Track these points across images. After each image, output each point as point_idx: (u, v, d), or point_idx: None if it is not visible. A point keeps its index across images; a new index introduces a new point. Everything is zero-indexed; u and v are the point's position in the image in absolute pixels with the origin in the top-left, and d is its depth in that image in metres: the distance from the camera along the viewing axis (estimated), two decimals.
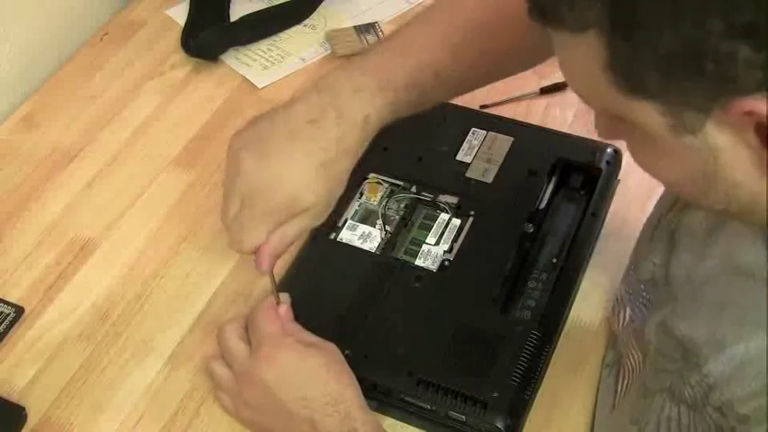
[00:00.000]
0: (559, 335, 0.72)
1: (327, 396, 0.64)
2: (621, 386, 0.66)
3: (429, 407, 0.67)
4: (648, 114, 0.44)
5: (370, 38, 1.01)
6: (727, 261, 0.55)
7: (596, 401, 0.69)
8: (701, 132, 0.43)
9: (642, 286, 0.67)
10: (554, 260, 0.76)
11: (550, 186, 0.81)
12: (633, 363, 0.65)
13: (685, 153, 0.45)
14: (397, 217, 0.80)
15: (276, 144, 0.65)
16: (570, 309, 0.74)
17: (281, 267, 0.78)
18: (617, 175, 0.83)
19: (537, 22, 0.46)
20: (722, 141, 0.43)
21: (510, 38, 0.68)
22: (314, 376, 0.65)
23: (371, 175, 0.83)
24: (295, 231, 0.68)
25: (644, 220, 0.69)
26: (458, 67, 0.68)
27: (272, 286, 0.70)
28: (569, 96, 0.92)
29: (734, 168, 0.44)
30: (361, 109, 0.65)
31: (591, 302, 0.75)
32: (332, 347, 0.67)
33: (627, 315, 0.68)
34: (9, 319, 0.76)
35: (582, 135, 0.84)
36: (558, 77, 0.91)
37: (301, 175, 0.65)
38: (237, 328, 0.69)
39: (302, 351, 0.66)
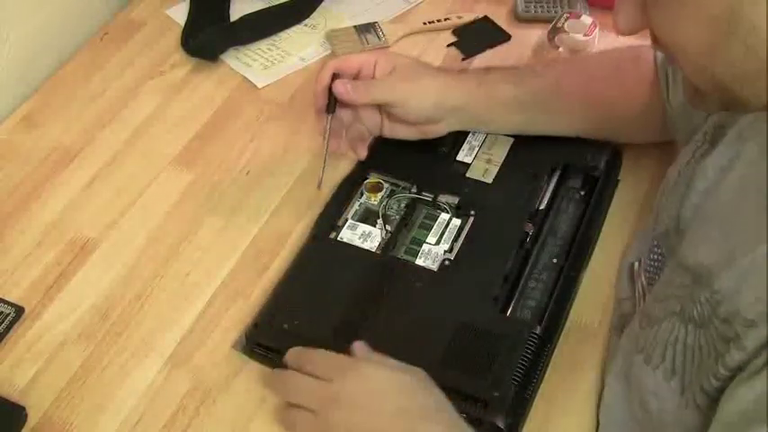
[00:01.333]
0: (559, 335, 0.72)
1: (426, 408, 0.61)
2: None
3: None
4: None
5: (371, 38, 1.01)
6: (738, 183, 0.57)
7: (606, 365, 0.70)
8: None
9: (655, 242, 0.67)
10: (554, 260, 0.76)
11: (550, 187, 0.81)
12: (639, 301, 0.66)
13: None
14: (397, 217, 0.80)
15: None
16: (570, 309, 0.74)
17: (280, 266, 0.79)
18: (617, 176, 0.83)
19: None
20: None
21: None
22: (408, 389, 0.62)
23: (372, 174, 0.83)
24: None
25: (644, 219, 0.69)
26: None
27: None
28: None
29: (755, 9, 0.44)
30: None
31: (591, 302, 0.75)
32: (420, 370, 0.64)
33: (642, 283, 0.69)
34: (9, 319, 0.76)
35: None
36: None
37: None
38: (299, 374, 0.66)
39: (392, 367, 0.64)
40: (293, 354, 0.68)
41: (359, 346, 0.67)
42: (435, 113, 0.80)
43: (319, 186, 0.83)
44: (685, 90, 0.56)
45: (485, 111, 0.81)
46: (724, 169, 0.59)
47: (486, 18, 1.03)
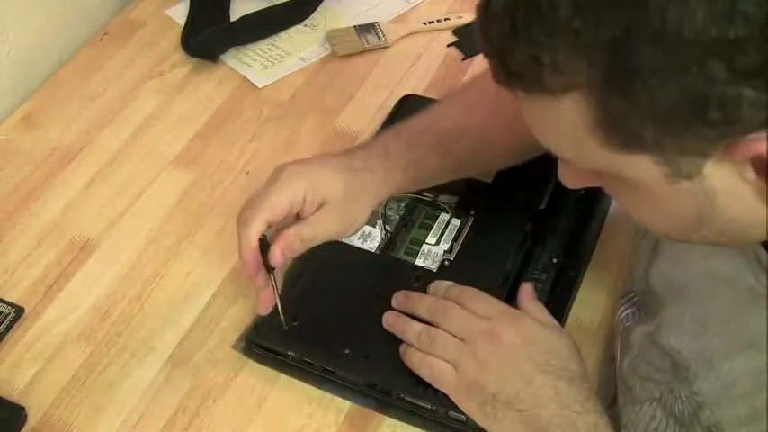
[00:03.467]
0: None
1: (572, 371, 0.63)
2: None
3: (429, 406, 0.66)
4: (641, 166, 0.42)
5: (371, 38, 1.01)
6: (707, 269, 0.55)
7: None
8: (698, 176, 0.42)
9: (632, 293, 0.67)
10: (554, 260, 0.76)
11: (551, 187, 0.81)
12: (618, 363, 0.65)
13: (679, 198, 0.44)
14: (397, 217, 0.80)
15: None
16: (570, 309, 0.74)
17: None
18: None
19: (505, 87, 0.44)
20: (719, 182, 0.42)
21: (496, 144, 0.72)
22: (558, 348, 0.64)
23: None
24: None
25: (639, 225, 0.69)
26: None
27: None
28: None
29: (730, 206, 0.43)
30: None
31: (591, 302, 0.75)
32: (570, 336, 0.67)
33: (622, 313, 0.68)
34: (9, 319, 0.76)
35: None
36: None
37: None
38: (454, 304, 0.68)
39: (546, 324, 0.66)
40: (446, 288, 0.70)
41: (526, 290, 0.69)
42: (370, 219, 0.74)
43: (286, 325, 0.70)
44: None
45: (421, 187, 0.77)
46: None
47: None
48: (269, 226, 0.65)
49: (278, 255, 0.65)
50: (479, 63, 0.98)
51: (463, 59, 0.99)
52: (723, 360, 0.51)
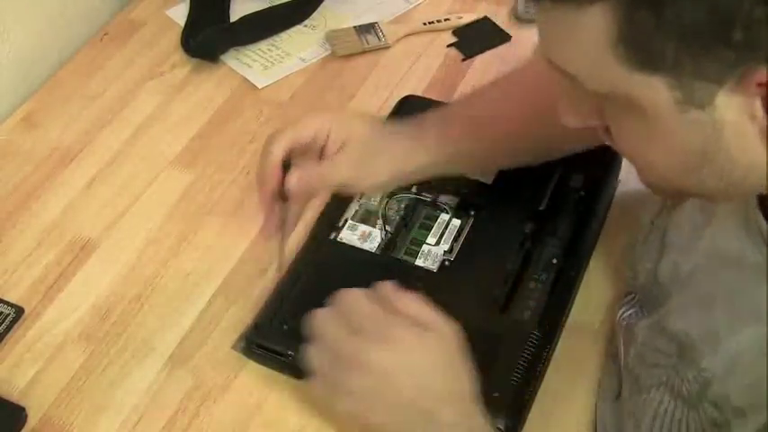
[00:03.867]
0: (559, 335, 0.72)
1: (447, 392, 0.59)
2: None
3: None
4: (655, 89, 0.42)
5: (371, 38, 1.01)
6: (714, 252, 0.55)
7: (599, 390, 0.69)
8: (709, 106, 0.42)
9: (632, 294, 0.67)
10: (554, 260, 0.76)
11: (550, 187, 0.81)
12: (622, 358, 0.65)
13: (687, 129, 0.44)
14: (397, 217, 0.80)
15: None
16: (570, 309, 0.74)
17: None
18: (617, 176, 0.83)
19: None
20: (729, 114, 0.42)
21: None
22: (434, 366, 0.59)
23: None
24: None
25: (644, 220, 0.69)
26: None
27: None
28: None
29: (735, 144, 0.43)
30: None
31: (591, 302, 0.75)
32: (450, 331, 0.61)
33: (623, 313, 0.68)
34: (9, 319, 0.76)
35: None
36: None
37: None
38: (333, 312, 0.62)
39: (421, 335, 0.60)
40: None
41: (390, 287, 0.63)
42: (390, 185, 0.75)
43: (281, 270, 0.73)
44: (641, 178, 0.54)
45: (444, 168, 0.75)
46: (697, 227, 0.58)
47: (486, 19, 1.03)
48: (292, 150, 0.68)
49: (293, 181, 0.66)
50: (479, 63, 0.98)
51: (463, 60, 0.99)
52: (729, 335, 0.52)
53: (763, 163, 0.44)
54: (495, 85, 0.77)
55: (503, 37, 1.01)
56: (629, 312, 0.67)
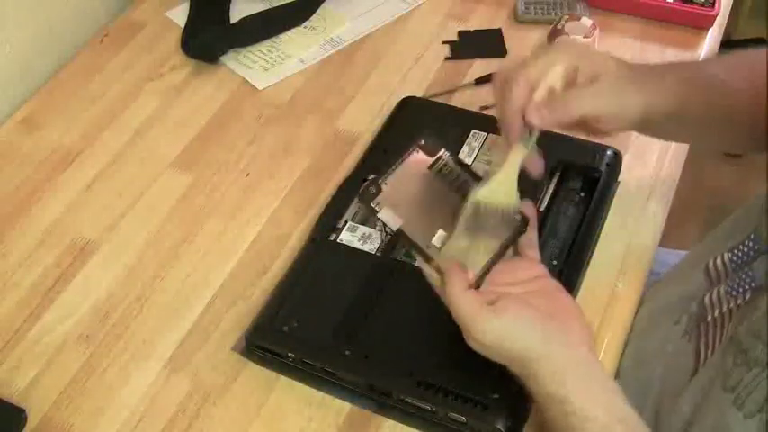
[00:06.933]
0: None
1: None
2: (704, 353, 0.65)
3: (429, 408, 0.67)
4: None
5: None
6: None
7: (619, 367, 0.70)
8: None
9: (751, 236, 0.66)
10: (554, 262, 0.76)
11: (550, 188, 0.81)
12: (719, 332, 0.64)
13: None
14: None
15: None
16: None
17: (280, 268, 0.79)
18: (617, 177, 0.83)
19: None
20: None
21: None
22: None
23: (371, 176, 0.83)
24: None
25: (644, 220, 0.68)
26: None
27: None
28: None
29: None
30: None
31: (591, 303, 0.75)
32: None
33: (721, 292, 0.67)
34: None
35: (582, 137, 0.84)
36: None
37: None
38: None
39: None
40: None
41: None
42: (640, 126, 0.71)
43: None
44: None
45: (669, 119, 0.70)
46: None
47: (498, 31, 1.02)
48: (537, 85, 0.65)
49: (534, 117, 0.64)
50: (479, 64, 0.98)
51: (463, 60, 0.99)
52: None
53: None
54: (719, 58, 0.76)
55: (499, 52, 0.99)
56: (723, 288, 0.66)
